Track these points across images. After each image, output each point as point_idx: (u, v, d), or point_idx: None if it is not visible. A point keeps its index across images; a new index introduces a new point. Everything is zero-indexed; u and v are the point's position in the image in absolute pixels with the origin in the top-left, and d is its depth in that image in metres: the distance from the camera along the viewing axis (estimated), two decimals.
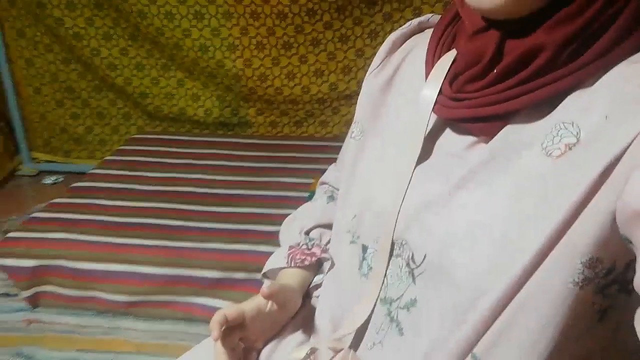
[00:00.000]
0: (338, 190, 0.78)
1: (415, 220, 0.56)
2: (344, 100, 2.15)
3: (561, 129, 0.48)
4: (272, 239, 1.56)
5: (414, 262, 0.55)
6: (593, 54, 0.46)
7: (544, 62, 0.47)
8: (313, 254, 0.75)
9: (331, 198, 0.81)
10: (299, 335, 0.72)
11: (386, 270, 0.59)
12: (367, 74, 0.68)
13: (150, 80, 2.32)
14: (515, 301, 0.49)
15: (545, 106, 0.49)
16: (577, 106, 0.47)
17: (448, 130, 0.57)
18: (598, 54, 0.46)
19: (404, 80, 0.64)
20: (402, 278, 0.57)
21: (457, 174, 0.54)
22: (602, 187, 0.44)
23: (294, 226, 0.80)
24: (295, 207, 1.82)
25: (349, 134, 0.71)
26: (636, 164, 0.42)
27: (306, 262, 0.74)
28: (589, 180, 0.44)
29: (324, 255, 0.74)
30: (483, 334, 0.50)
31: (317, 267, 0.77)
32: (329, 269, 0.72)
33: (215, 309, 1.49)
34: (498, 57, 0.50)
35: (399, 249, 0.57)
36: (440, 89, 0.56)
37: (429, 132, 0.58)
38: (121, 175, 1.94)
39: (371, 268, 0.61)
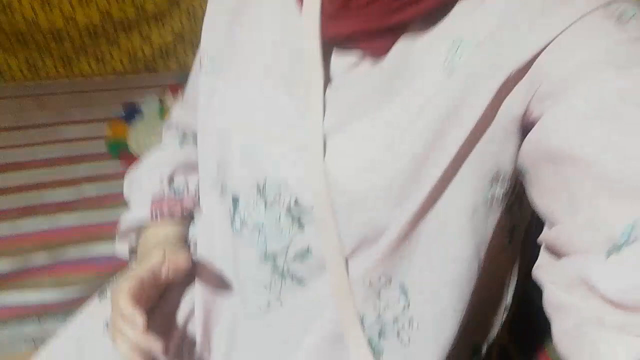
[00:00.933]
0: (192, 132, 0.69)
1: (296, 159, 0.49)
2: (121, 29, 1.81)
3: (460, 43, 0.45)
4: (78, 207, 1.31)
5: (297, 207, 0.51)
6: None
7: None
8: (181, 202, 0.64)
9: (184, 142, 0.70)
10: (188, 299, 0.64)
11: (262, 221, 0.52)
12: None
13: None
14: (424, 226, 0.48)
15: (439, 18, 0.46)
16: (473, 17, 0.45)
17: (332, 52, 0.50)
18: None
19: None
20: (283, 227, 0.52)
21: (345, 101, 0.48)
22: (506, 99, 0.44)
23: (150, 177, 0.67)
24: (94, 166, 1.55)
25: (196, 69, 0.61)
26: (547, 91, 0.41)
27: (176, 214, 0.64)
28: (489, 95, 0.43)
29: (196, 207, 0.65)
30: (392, 264, 0.49)
31: (190, 218, 0.67)
32: (198, 226, 0.64)
33: (14, 306, 1.19)
34: None
35: (276, 195, 0.52)
36: (321, 4, 0.48)
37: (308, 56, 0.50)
38: None
39: (245, 222, 0.54)
